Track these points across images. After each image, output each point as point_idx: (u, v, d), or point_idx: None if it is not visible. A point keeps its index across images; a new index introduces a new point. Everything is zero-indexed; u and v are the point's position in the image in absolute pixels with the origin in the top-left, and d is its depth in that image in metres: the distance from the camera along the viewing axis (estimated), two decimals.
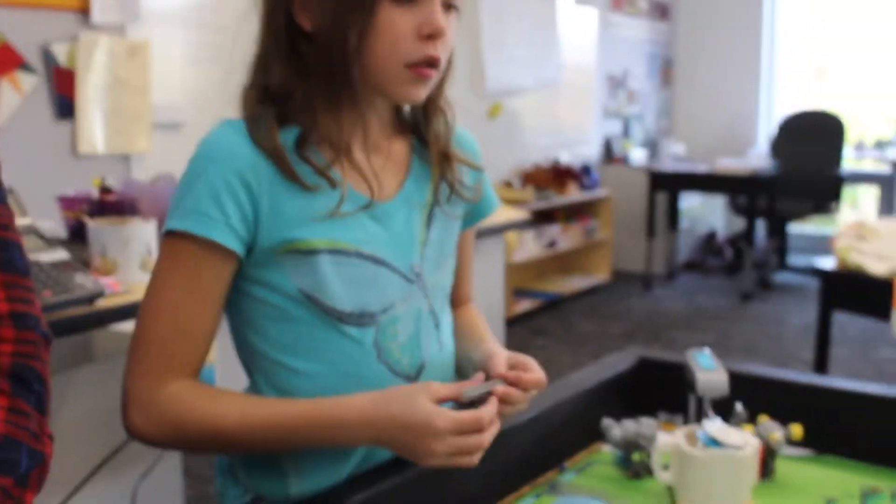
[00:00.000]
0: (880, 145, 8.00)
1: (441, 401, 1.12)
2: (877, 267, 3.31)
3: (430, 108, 1.29)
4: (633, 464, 1.43)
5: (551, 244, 6.68)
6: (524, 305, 6.30)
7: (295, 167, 1.17)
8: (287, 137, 1.18)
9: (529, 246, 6.45)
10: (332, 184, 1.18)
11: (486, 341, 1.37)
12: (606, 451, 1.51)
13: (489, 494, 1.35)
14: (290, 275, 1.18)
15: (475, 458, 1.13)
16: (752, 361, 5.19)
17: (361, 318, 1.22)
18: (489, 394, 1.15)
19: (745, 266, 7.02)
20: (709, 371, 1.39)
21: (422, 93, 1.22)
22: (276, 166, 1.16)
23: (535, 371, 1.23)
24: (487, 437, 1.12)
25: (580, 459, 1.50)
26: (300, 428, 1.14)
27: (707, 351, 1.46)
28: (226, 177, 1.14)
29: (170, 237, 1.16)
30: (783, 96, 8.44)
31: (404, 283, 1.26)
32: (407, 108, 1.32)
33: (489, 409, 1.12)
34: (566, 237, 6.86)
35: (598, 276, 7.22)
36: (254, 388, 1.26)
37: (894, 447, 1.45)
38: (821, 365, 3.63)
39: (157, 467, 2.17)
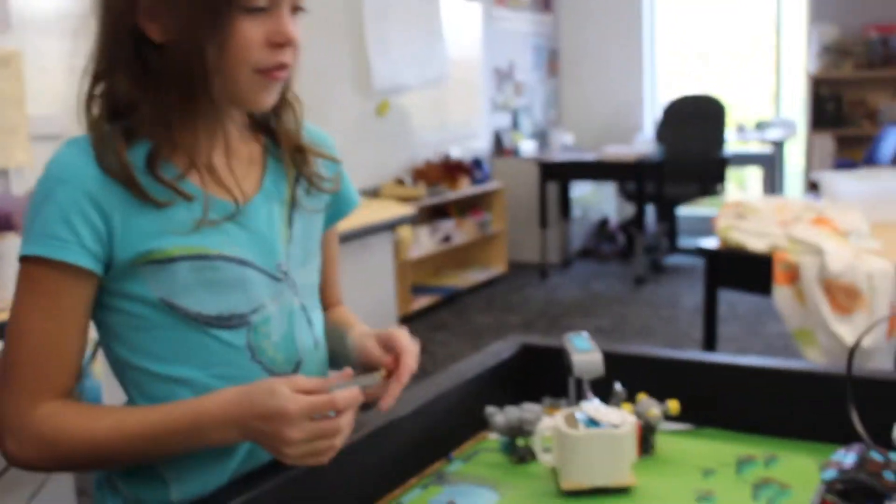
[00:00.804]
0: (761, 126, 8.23)
1: (304, 392, 1.11)
2: (756, 244, 3.41)
3: (279, 103, 1.27)
4: (518, 449, 1.45)
5: (446, 239, 6.72)
6: (422, 301, 6.32)
7: (146, 185, 1.15)
8: (137, 154, 1.16)
9: (424, 242, 6.48)
10: (187, 198, 1.17)
11: (354, 326, 1.38)
12: (492, 438, 1.52)
13: (376, 489, 1.35)
14: (149, 284, 1.17)
15: (335, 443, 1.12)
16: (648, 343, 5.30)
17: (230, 321, 1.21)
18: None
19: (636, 251, 7.16)
20: (584, 353, 1.42)
21: (272, 98, 1.22)
22: (125, 186, 1.14)
23: (405, 348, 1.26)
24: (344, 421, 1.12)
25: (467, 448, 1.51)
26: (172, 432, 1.13)
27: (584, 334, 1.48)
28: (74, 198, 1.13)
29: (25, 262, 1.14)
30: (666, 82, 8.62)
31: (271, 282, 1.25)
32: None
33: (345, 394, 1.11)
34: (460, 231, 6.91)
35: (495, 268, 7.28)
36: (130, 402, 1.25)
37: (767, 416, 1.50)
38: (709, 342, 3.73)
39: (49, 486, 2.13)
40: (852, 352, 1.27)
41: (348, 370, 1.20)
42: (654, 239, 7.59)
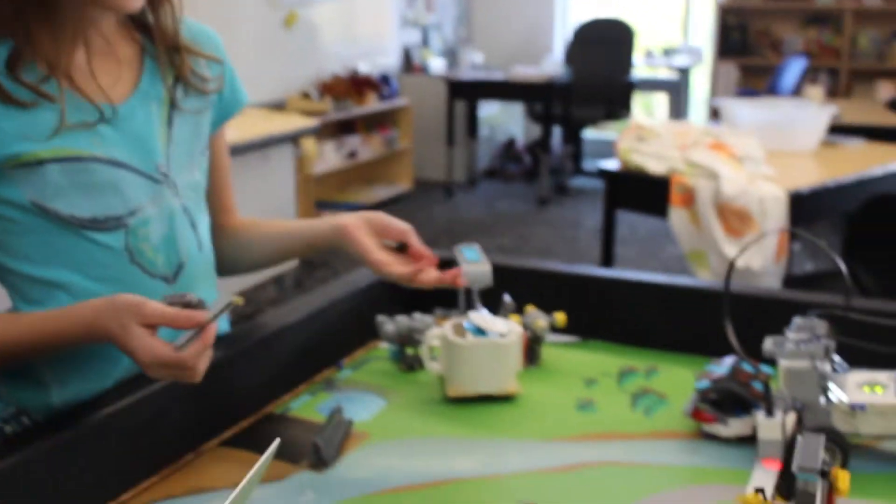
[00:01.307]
0: (668, 53, 8.31)
1: (150, 326, 1.05)
2: (655, 167, 3.47)
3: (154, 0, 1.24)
4: (407, 357, 1.47)
5: (352, 155, 6.68)
6: None
7: (8, 86, 1.11)
8: None
9: (330, 157, 6.43)
10: (50, 100, 1.14)
11: (308, 222, 1.39)
12: (383, 347, 1.54)
13: (265, 395, 1.36)
14: (20, 187, 1.14)
15: (195, 376, 1.07)
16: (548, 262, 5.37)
17: (105, 224, 1.19)
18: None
19: (542, 172, 7.21)
20: (473, 263, 1.43)
21: (137, 2, 1.17)
22: None
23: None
24: (198, 372, 1.07)
25: (357, 357, 1.53)
26: (39, 342, 1.12)
27: (475, 245, 1.50)
28: None
29: None
30: (577, 4, 8.61)
31: (150, 183, 1.23)
32: None
33: (192, 351, 1.05)
34: (367, 148, 6.87)
35: (401, 185, 7.28)
36: (14, 307, 1.23)
37: (650, 330, 1.54)
38: (606, 262, 3.80)
39: None
40: (730, 268, 1.31)
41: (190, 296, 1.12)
42: (559, 161, 7.66)
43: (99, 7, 1.16)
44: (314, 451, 1.19)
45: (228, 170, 1.46)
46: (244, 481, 0.73)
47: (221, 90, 1.36)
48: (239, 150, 4.32)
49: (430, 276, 1.26)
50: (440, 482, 1.14)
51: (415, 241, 1.30)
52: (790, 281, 3.54)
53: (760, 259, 3.14)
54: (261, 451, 1.20)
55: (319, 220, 1.36)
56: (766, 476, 1.08)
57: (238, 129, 4.48)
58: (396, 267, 1.27)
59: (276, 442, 0.81)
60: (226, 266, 1.43)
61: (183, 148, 1.28)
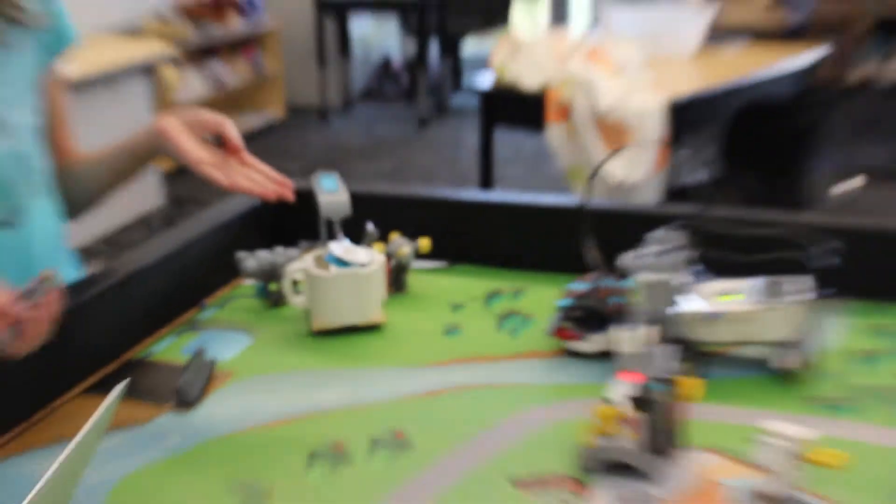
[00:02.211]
0: None
1: None
2: (531, 81, 3.53)
3: None
4: (271, 293, 1.50)
5: (217, 82, 6.59)
6: None
7: None
8: None
9: (193, 85, 6.34)
10: None
11: (130, 135, 1.39)
12: (248, 284, 1.57)
13: (125, 341, 1.38)
14: None
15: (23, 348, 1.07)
16: (430, 186, 5.42)
17: None
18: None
19: (420, 91, 7.22)
20: (331, 193, 1.47)
21: None
22: None
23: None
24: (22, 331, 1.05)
25: (221, 295, 1.56)
26: None
27: (334, 174, 1.53)
28: None
29: None
30: None
31: None
32: None
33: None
34: (233, 73, 6.78)
35: (271, 111, 7.21)
36: None
37: (517, 251, 1.60)
38: (486, 184, 3.86)
39: None
40: (591, 182, 1.38)
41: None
42: (438, 78, 7.66)
43: None
44: (177, 393, 1.23)
45: (64, 111, 1.45)
46: (84, 429, 0.77)
47: (44, 26, 1.34)
48: (87, 84, 4.21)
49: (246, 183, 1.29)
50: (307, 415, 1.19)
51: (231, 134, 1.31)
52: (673, 193, 3.65)
53: (638, 172, 3.25)
54: (124, 396, 1.26)
55: (139, 129, 1.37)
56: (623, 388, 1.16)
57: (84, 60, 4.34)
58: (213, 170, 1.28)
59: (121, 386, 0.84)
60: (73, 207, 1.44)
61: (7, 85, 1.28)
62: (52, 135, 1.41)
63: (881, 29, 6.63)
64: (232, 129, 1.32)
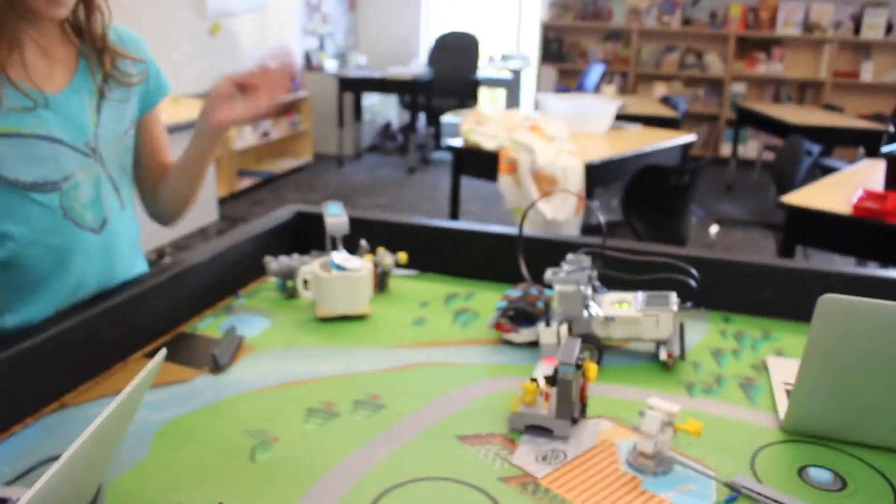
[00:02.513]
0: (506, 58, 8.35)
1: None
2: (489, 143, 3.50)
3: (88, 9, 1.19)
4: (288, 288, 1.46)
5: (265, 134, 6.53)
6: (245, 183, 6.16)
7: None
8: None
9: (248, 136, 6.28)
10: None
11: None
12: (271, 280, 1.53)
13: (178, 319, 1.33)
14: None
15: None
16: (416, 216, 5.38)
17: (45, 186, 1.15)
18: None
19: (410, 148, 7.19)
20: (335, 216, 1.43)
21: (62, 10, 1.12)
22: None
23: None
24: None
25: (251, 288, 1.51)
26: None
27: (339, 203, 1.50)
28: None
29: None
30: (437, 21, 8.54)
31: (81, 156, 1.19)
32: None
33: None
34: (277, 129, 6.72)
35: (303, 158, 7.14)
36: None
37: (470, 265, 1.56)
38: (454, 216, 3.83)
39: None
40: (524, 215, 1.34)
41: None
42: (424, 139, 7.65)
43: (31, 12, 1.11)
44: (212, 359, 1.18)
45: (165, 140, 1.40)
46: (131, 384, 0.72)
47: (146, 82, 1.31)
48: (175, 129, 4.21)
49: (264, 102, 1.23)
50: (308, 381, 1.15)
51: (239, 79, 1.23)
52: (587, 229, 3.64)
53: (564, 213, 3.22)
54: (173, 360, 1.21)
55: (194, 139, 1.30)
56: (544, 370, 1.12)
57: (173, 114, 4.35)
58: (236, 114, 1.22)
59: (162, 352, 0.79)
60: (168, 212, 1.39)
61: (109, 128, 1.24)
62: (155, 158, 1.36)
63: (738, 121, 6.68)
64: (234, 76, 1.23)
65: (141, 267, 1.39)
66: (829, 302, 0.93)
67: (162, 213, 1.42)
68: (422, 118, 7.61)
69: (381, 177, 6.85)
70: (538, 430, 0.99)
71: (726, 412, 1.08)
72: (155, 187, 1.39)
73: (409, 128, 7.38)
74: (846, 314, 0.93)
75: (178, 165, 1.36)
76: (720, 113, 7.79)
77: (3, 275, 1.15)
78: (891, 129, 5.66)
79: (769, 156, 6.54)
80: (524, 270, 1.28)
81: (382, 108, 8.28)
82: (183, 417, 1.04)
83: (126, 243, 1.31)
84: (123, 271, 1.30)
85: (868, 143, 5.39)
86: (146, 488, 0.89)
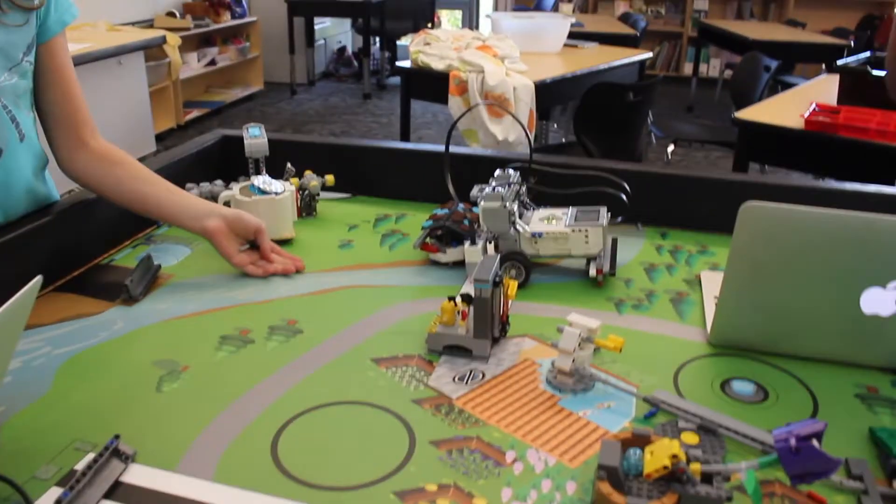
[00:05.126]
0: None
1: None
2: (438, 64, 3.42)
3: None
4: None
5: (212, 63, 6.35)
6: (194, 113, 6.00)
7: None
8: None
9: (193, 65, 6.10)
10: None
11: (178, 209, 1.23)
12: None
13: (93, 249, 1.28)
14: None
15: None
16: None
17: None
18: None
19: (365, 73, 7.04)
20: (254, 138, 1.38)
21: None
22: None
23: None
24: None
25: None
26: None
27: (259, 125, 1.44)
28: None
29: None
30: None
31: None
32: None
33: None
34: (224, 57, 6.54)
35: (253, 86, 6.98)
36: None
37: (402, 187, 1.52)
38: (405, 138, 3.77)
39: None
40: (449, 134, 1.30)
41: None
42: (378, 64, 7.49)
43: None
44: (124, 289, 1.14)
45: (73, 80, 1.25)
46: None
47: (46, 5, 1.19)
48: (107, 55, 4.08)
49: (273, 269, 1.22)
50: (222, 308, 1.11)
51: (264, 242, 1.22)
52: (541, 149, 3.59)
53: (514, 133, 3.17)
54: (84, 293, 1.17)
55: (188, 215, 1.21)
56: (470, 289, 1.09)
57: (106, 40, 4.19)
58: (251, 268, 1.21)
59: (37, 279, 0.74)
60: (91, 187, 1.25)
61: (2, 55, 1.15)
62: (65, 101, 1.23)
63: (700, 38, 6.61)
64: (265, 236, 1.22)
65: (53, 198, 1.33)
66: (752, 210, 0.91)
67: (77, 180, 1.27)
68: (377, 43, 7.44)
69: (335, 104, 6.72)
70: (457, 350, 0.97)
71: (654, 328, 1.07)
72: (72, 157, 1.24)
73: (362, 52, 7.22)
74: (769, 222, 0.91)
75: (147, 203, 1.23)
76: (682, 31, 7.71)
77: None
78: (852, 43, 5.64)
79: (731, 74, 6.51)
80: (451, 188, 1.24)
81: (336, 33, 8.08)
82: (89, 350, 1.00)
83: (27, 176, 1.23)
84: (28, 205, 1.23)
85: (830, 59, 5.37)
86: (44, 423, 0.86)
